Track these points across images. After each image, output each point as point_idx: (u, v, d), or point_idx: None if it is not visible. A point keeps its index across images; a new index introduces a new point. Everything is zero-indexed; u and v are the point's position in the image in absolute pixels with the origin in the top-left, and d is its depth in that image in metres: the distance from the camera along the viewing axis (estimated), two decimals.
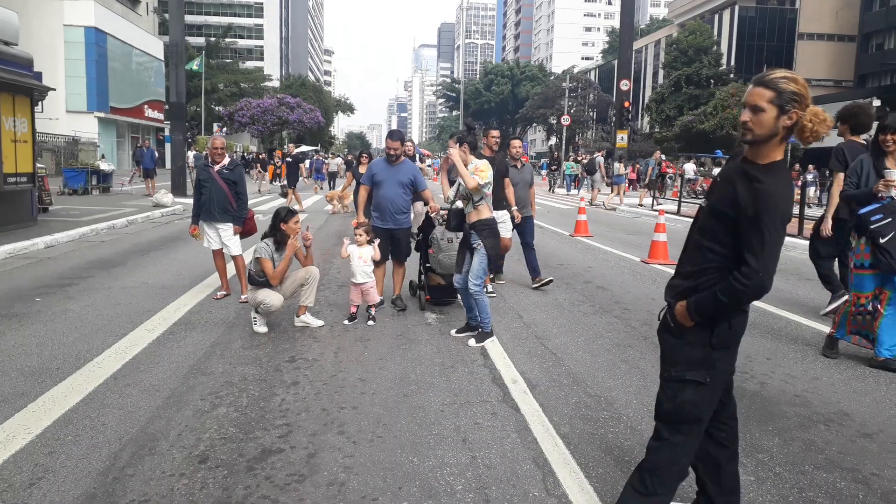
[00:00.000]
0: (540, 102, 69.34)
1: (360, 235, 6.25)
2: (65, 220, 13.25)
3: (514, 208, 7.46)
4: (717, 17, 60.36)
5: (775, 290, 7.97)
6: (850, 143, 6.21)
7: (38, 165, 13.81)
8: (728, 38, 58.02)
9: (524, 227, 7.82)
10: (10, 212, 11.82)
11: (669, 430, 2.60)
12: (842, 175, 5.92)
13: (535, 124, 78.94)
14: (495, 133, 7.45)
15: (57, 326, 5.86)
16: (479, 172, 5.46)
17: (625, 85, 27.25)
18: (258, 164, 30.89)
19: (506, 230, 7.21)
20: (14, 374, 4.59)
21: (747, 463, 3.46)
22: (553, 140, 73.25)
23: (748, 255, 2.32)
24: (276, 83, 76.33)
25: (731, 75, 50.32)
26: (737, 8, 58.03)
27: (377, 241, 6.35)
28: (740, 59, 55.87)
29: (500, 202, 7.21)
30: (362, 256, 6.17)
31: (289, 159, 18.56)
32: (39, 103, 13.28)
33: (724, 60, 53.21)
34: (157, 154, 25.18)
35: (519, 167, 7.97)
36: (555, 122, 65.24)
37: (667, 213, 12.49)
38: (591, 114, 69.04)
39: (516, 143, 8.16)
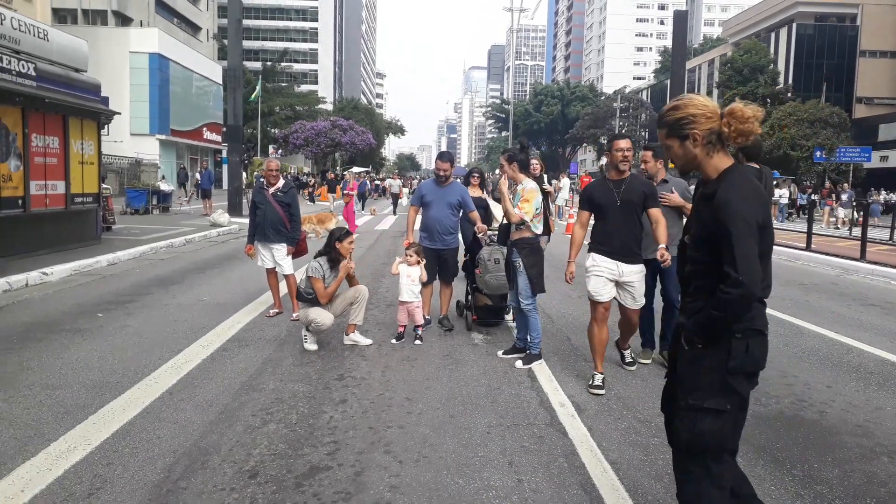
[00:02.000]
0: (590, 122, 68.90)
1: (411, 256, 6.31)
2: (126, 239, 13.76)
3: (662, 246, 5.06)
4: (773, 35, 59.12)
5: (836, 316, 7.74)
6: None
7: (103, 186, 14.41)
8: (785, 56, 56.72)
9: (667, 273, 5.60)
10: (76, 230, 12.34)
11: (691, 462, 2.47)
12: None
13: (584, 144, 78.41)
14: (443, 166, 6.77)
15: (117, 341, 6.07)
16: (524, 203, 5.46)
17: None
18: (325, 185, 31.05)
19: (634, 296, 5.16)
20: (76, 387, 4.78)
21: (805, 495, 3.33)
22: (603, 160, 72.73)
23: (727, 266, 2.27)
24: (329, 106, 77.95)
25: (789, 94, 49.12)
26: (794, 26, 56.75)
27: (423, 262, 6.40)
28: (798, 78, 54.47)
29: (643, 244, 5.21)
30: (410, 275, 6.24)
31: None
32: (105, 127, 13.90)
33: (780, 79, 52.01)
34: (213, 175, 25.96)
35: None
36: (605, 142, 64.86)
37: None
38: (643, 134, 68.26)
39: (647, 154, 5.82)
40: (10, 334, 6.30)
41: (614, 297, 5.14)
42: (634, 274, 5.06)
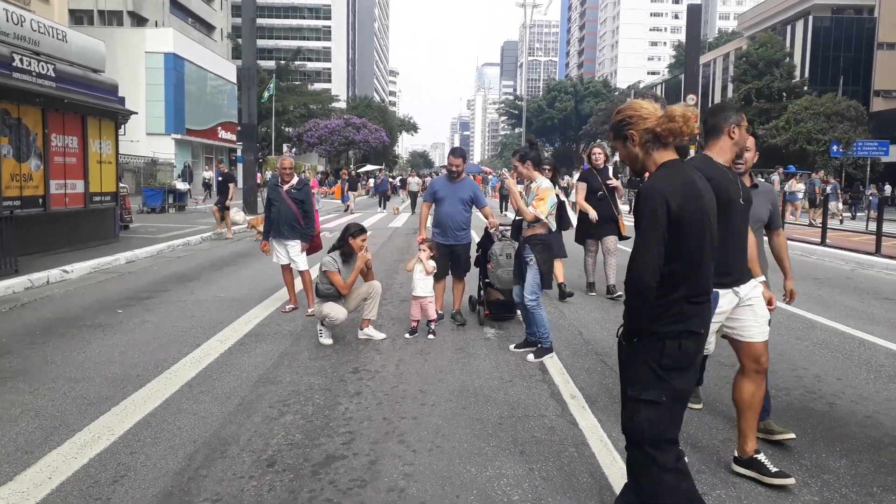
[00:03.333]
0: (604, 118, 68.59)
1: (424, 251, 6.40)
2: (144, 237, 13.97)
3: (763, 279, 3.67)
4: (789, 28, 58.59)
5: (849, 310, 7.75)
6: None
7: (121, 185, 14.63)
8: (801, 49, 56.18)
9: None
10: (95, 229, 12.56)
11: (635, 451, 2.59)
12: None
13: (599, 140, 78.23)
14: (455, 161, 6.78)
15: (137, 336, 6.22)
16: (539, 202, 5.52)
17: (691, 99, 26.76)
18: (346, 184, 30.32)
19: (757, 316, 3.47)
20: (99, 380, 4.92)
21: (812, 483, 3.39)
22: (618, 156, 72.36)
23: (632, 253, 2.45)
24: (342, 104, 78.25)
25: (805, 88, 48.68)
26: (811, 18, 56.19)
27: (433, 255, 6.47)
28: (815, 71, 53.97)
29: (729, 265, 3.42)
30: (423, 270, 6.33)
31: (219, 178, 16.76)
32: (122, 126, 14.12)
33: (797, 73, 51.54)
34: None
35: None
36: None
37: None
38: None
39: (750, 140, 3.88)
40: (34, 330, 6.46)
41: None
42: (754, 288, 3.47)
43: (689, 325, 2.46)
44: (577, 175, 25.82)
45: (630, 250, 2.53)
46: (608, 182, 8.27)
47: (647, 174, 2.59)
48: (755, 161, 3.92)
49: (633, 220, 2.58)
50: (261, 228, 14.42)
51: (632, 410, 2.55)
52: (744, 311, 3.41)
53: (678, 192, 2.38)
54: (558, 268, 7.92)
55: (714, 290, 2.64)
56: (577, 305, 7.90)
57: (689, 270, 2.44)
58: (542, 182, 5.63)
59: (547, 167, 7.21)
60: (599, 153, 8.39)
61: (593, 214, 8.15)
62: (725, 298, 3.35)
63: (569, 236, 8.51)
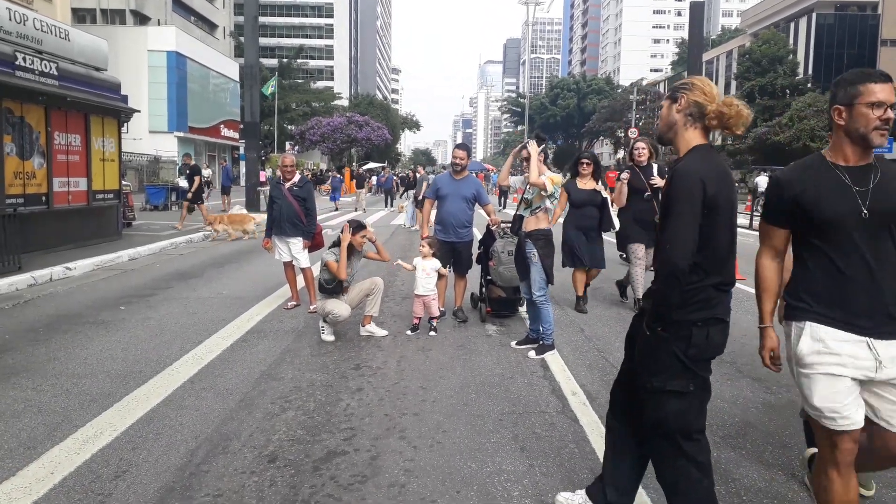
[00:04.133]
0: (607, 115, 68.63)
1: (424, 247, 6.41)
2: (146, 235, 13.99)
3: None
4: (792, 25, 58.46)
5: None
6: None
7: (124, 183, 14.65)
8: (805, 46, 56.06)
9: None
10: (98, 226, 12.58)
11: (663, 442, 2.54)
12: None
13: (601, 138, 78.06)
14: (460, 154, 6.80)
15: (139, 333, 6.24)
16: (550, 181, 5.56)
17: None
18: (354, 181, 29.89)
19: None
20: (101, 377, 4.93)
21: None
22: (621, 153, 72.16)
23: (662, 236, 2.36)
24: (345, 102, 78.28)
25: (809, 85, 48.57)
26: (814, 16, 56.06)
27: (435, 251, 6.48)
28: (818, 68, 53.83)
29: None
30: (425, 269, 6.33)
31: (186, 172, 16.20)
32: (125, 124, 14.14)
33: (800, 70, 51.43)
34: (231, 172, 26.14)
35: None
36: (622, 135, 64.34)
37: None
38: None
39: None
40: (37, 326, 6.48)
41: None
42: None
43: (716, 312, 2.42)
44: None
45: None
46: (652, 181, 7.22)
47: (671, 155, 2.60)
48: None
49: (662, 201, 2.49)
50: (218, 227, 14.31)
51: (658, 401, 2.49)
52: (886, 389, 2.45)
53: (714, 177, 2.35)
54: (582, 278, 7.41)
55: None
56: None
57: (720, 258, 2.40)
58: (553, 175, 5.69)
59: (586, 161, 7.24)
60: (643, 148, 7.34)
61: (624, 176, 7.29)
62: (860, 344, 2.41)
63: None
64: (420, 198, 17.86)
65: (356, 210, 24.00)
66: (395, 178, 32.87)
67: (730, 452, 3.70)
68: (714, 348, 2.45)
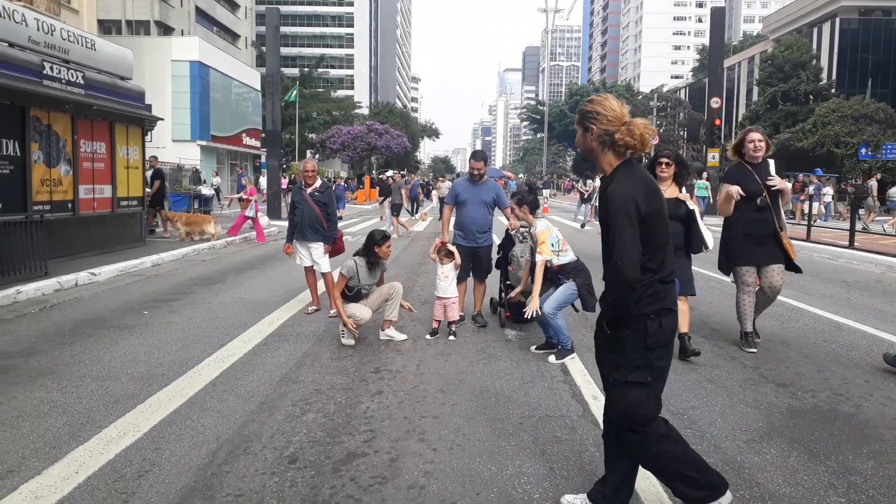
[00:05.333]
0: None
1: (434, 255, 6.45)
2: (169, 241, 14.16)
3: None
4: (815, 30, 57.81)
5: (879, 313, 7.61)
6: None
7: (147, 190, 14.85)
8: (829, 51, 55.39)
9: None
10: (122, 233, 12.77)
11: (627, 432, 2.74)
12: None
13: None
14: (477, 165, 6.80)
15: (162, 337, 6.30)
16: (541, 245, 5.67)
17: (715, 102, 26.54)
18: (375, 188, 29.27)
19: None
20: (125, 379, 4.99)
21: (838, 485, 3.33)
22: (642, 161, 71.74)
23: (611, 250, 2.58)
24: (365, 110, 78.77)
25: (833, 90, 47.96)
26: (837, 21, 55.38)
27: (455, 256, 6.47)
28: (842, 74, 53.15)
29: None
30: (445, 273, 6.33)
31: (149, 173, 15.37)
32: (149, 133, 14.35)
33: (823, 75, 50.82)
34: (245, 178, 26.21)
35: None
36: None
37: None
38: (682, 133, 67.30)
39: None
40: (63, 330, 6.58)
41: None
42: None
43: (665, 303, 2.67)
44: (598, 180, 25.52)
45: (774, 278, 2.53)
46: (769, 182, 5.64)
47: (599, 171, 2.80)
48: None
49: (599, 221, 2.77)
50: (178, 226, 14.31)
51: (619, 394, 2.70)
52: None
53: (643, 193, 2.59)
54: (683, 312, 5.74)
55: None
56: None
57: (661, 257, 2.66)
58: (538, 225, 5.79)
59: (665, 160, 5.65)
60: (760, 140, 5.77)
61: (732, 189, 5.63)
62: None
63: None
64: (395, 203, 17.94)
65: (381, 218, 23.95)
66: (419, 185, 32.40)
67: (753, 458, 3.64)
68: (668, 334, 2.70)
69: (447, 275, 6.34)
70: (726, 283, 9.70)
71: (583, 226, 21.32)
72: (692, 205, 5.59)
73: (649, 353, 2.64)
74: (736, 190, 5.59)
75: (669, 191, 5.59)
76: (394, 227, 17.52)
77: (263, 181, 37.28)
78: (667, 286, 2.68)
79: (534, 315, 5.54)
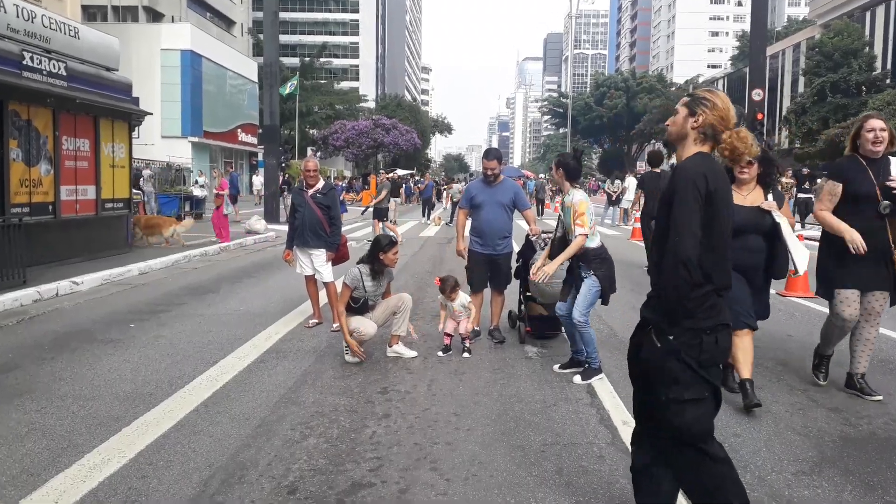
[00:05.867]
0: (659, 116, 67.93)
1: (445, 295, 6.30)
2: (158, 247, 14.25)
3: None
4: (868, 14, 57.39)
5: None
6: None
7: (134, 192, 14.98)
8: (882, 38, 54.93)
9: None
10: (107, 237, 12.87)
11: (686, 449, 2.78)
12: None
13: (653, 141, 77.45)
14: (490, 164, 6.80)
15: (150, 352, 6.33)
16: (580, 217, 5.49)
17: (757, 95, 26.39)
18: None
19: None
20: (109, 399, 5.01)
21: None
22: (675, 159, 71.52)
23: (670, 231, 2.64)
24: (371, 104, 79.11)
25: (888, 81, 47.56)
26: (892, 4, 54.99)
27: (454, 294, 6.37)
28: None
29: None
30: (455, 309, 6.28)
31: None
32: (136, 128, 14.47)
33: (877, 64, 50.41)
34: (237, 178, 26.21)
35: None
36: None
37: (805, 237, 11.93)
38: None
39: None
40: (42, 344, 6.63)
41: None
42: None
43: (721, 317, 2.71)
44: (628, 179, 25.26)
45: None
46: (890, 183, 4.86)
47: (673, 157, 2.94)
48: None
49: (658, 205, 2.83)
50: (138, 230, 14.32)
51: (676, 412, 2.73)
52: None
53: (711, 172, 2.68)
54: (746, 350, 4.93)
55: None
56: (630, 322, 7.78)
57: (718, 260, 2.69)
58: (576, 195, 5.63)
59: (748, 165, 4.93)
60: (882, 130, 4.91)
61: (856, 239, 4.79)
62: None
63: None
64: (379, 208, 17.27)
65: (392, 221, 23.91)
66: (433, 186, 31.92)
67: (803, 491, 3.60)
68: (723, 353, 2.76)
69: (458, 310, 6.28)
70: (772, 297, 9.64)
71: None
72: (779, 216, 4.98)
73: (703, 370, 2.69)
74: (859, 242, 4.79)
75: (752, 196, 5.05)
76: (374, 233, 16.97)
77: (258, 180, 37.67)
78: (721, 300, 2.73)
79: (543, 280, 5.60)
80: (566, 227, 5.65)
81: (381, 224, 17.16)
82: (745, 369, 4.91)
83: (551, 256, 6.01)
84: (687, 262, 2.57)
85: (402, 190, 29.97)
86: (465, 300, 6.35)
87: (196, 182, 25.44)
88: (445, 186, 32.26)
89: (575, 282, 5.66)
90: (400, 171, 46.36)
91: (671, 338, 2.68)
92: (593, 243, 5.57)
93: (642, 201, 12.49)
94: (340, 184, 29.87)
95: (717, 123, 2.75)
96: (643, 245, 12.61)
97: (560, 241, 5.76)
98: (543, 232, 6.67)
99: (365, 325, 5.97)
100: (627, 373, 5.74)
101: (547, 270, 5.57)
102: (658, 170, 11.94)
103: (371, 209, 18.69)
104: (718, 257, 2.68)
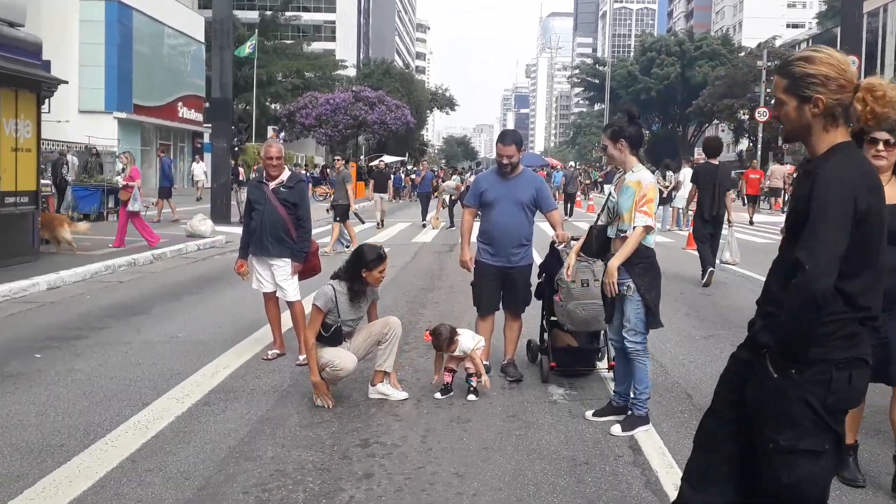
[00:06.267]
0: (724, 90, 68.13)
1: (444, 350, 6.27)
2: (73, 254, 14.26)
3: None
4: None
5: None
6: None
7: (43, 182, 14.95)
8: None
9: None
10: (8, 242, 12.81)
11: None
12: None
13: (716, 121, 77.59)
14: (507, 150, 6.72)
15: (61, 391, 6.33)
16: (648, 205, 5.43)
17: (852, 63, 26.45)
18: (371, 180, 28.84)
19: None
20: (8, 451, 5.00)
21: None
22: (745, 143, 71.58)
23: (798, 252, 2.56)
24: (351, 71, 79.29)
25: None
26: None
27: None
28: None
29: None
30: (462, 351, 6.27)
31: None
32: (46, 101, 14.45)
33: None
34: (171, 166, 26.14)
35: None
36: (746, 117, 63.84)
37: None
38: None
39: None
40: None
41: None
42: None
43: (861, 350, 2.63)
44: (684, 170, 25.22)
45: None
46: None
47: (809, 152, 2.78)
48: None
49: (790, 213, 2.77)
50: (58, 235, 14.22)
51: (787, 465, 2.65)
52: None
53: (863, 186, 2.59)
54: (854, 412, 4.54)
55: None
56: (686, 356, 7.80)
57: (868, 283, 2.63)
58: (645, 175, 5.59)
59: (884, 137, 4.57)
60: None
61: None
62: None
63: None
64: (338, 205, 16.70)
65: (379, 224, 23.82)
66: (433, 176, 31.49)
67: None
68: (857, 396, 2.70)
69: (460, 357, 6.29)
70: None
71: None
72: None
73: (828, 415, 2.61)
74: None
75: (889, 188, 4.13)
76: (332, 240, 16.54)
77: (199, 169, 37.61)
78: (865, 330, 2.66)
79: (611, 294, 5.49)
80: (618, 213, 5.59)
81: (340, 226, 16.81)
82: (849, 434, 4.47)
83: (584, 251, 5.99)
84: (819, 296, 2.49)
85: (391, 182, 29.75)
86: (469, 344, 6.26)
87: (123, 170, 25.45)
88: (439, 178, 31.68)
89: (611, 301, 5.65)
90: (387, 158, 46.37)
91: (793, 371, 2.61)
92: (647, 241, 5.54)
93: (696, 199, 12.59)
94: (309, 173, 29.78)
95: (842, 95, 2.66)
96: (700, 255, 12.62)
97: (601, 233, 5.74)
98: (573, 238, 6.64)
99: (341, 357, 5.95)
100: (682, 422, 5.77)
101: (611, 278, 5.46)
102: (716, 161, 11.98)
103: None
104: (869, 283, 2.63)
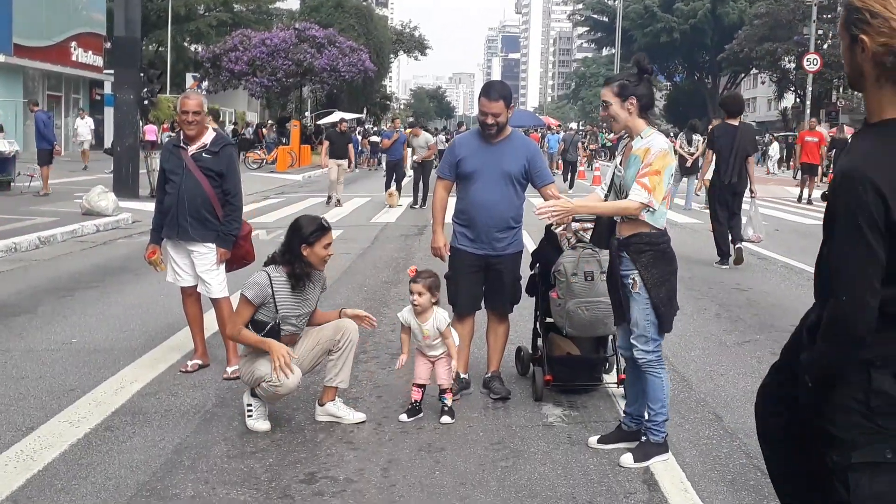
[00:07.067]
0: (764, 32, 68.48)
1: (420, 295, 6.21)
2: None
3: None
4: None
5: None
6: None
7: None
8: None
9: None
10: None
11: None
12: None
13: (754, 71, 77.93)
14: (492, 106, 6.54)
15: None
16: (653, 176, 5.30)
17: None
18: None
19: None
20: None
21: None
22: (789, 100, 71.92)
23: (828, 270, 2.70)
24: (293, 3, 78.81)
25: None
26: None
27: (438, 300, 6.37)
28: None
29: None
30: (426, 333, 6.27)
31: None
32: None
33: None
34: (52, 122, 25.82)
35: None
36: (792, 65, 64.15)
37: None
38: None
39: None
40: None
41: None
42: None
43: None
44: (710, 131, 25.48)
45: None
46: None
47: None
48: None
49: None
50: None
51: (847, 484, 2.71)
52: None
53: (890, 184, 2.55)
54: None
55: None
56: (714, 367, 7.85)
57: None
58: (655, 139, 5.48)
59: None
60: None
61: None
62: None
63: None
64: None
65: (329, 200, 23.67)
66: (405, 138, 30.94)
67: None
68: None
69: (428, 336, 6.26)
70: None
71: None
72: None
73: (878, 417, 2.66)
74: None
75: None
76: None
77: (83, 126, 37.07)
78: None
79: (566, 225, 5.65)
80: (625, 191, 5.49)
81: None
82: None
83: (595, 241, 5.95)
84: (851, 338, 2.59)
85: (350, 146, 29.25)
86: (443, 323, 6.29)
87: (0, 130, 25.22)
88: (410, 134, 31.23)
89: (619, 298, 5.64)
90: (346, 116, 46.02)
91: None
92: (656, 221, 5.43)
93: (713, 166, 12.83)
94: (241, 133, 29.52)
95: (891, 40, 2.57)
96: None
97: (609, 218, 5.73)
98: (575, 220, 6.62)
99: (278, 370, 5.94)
100: (708, 449, 5.84)
101: (570, 207, 5.48)
102: (736, 122, 12.10)
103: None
104: None
